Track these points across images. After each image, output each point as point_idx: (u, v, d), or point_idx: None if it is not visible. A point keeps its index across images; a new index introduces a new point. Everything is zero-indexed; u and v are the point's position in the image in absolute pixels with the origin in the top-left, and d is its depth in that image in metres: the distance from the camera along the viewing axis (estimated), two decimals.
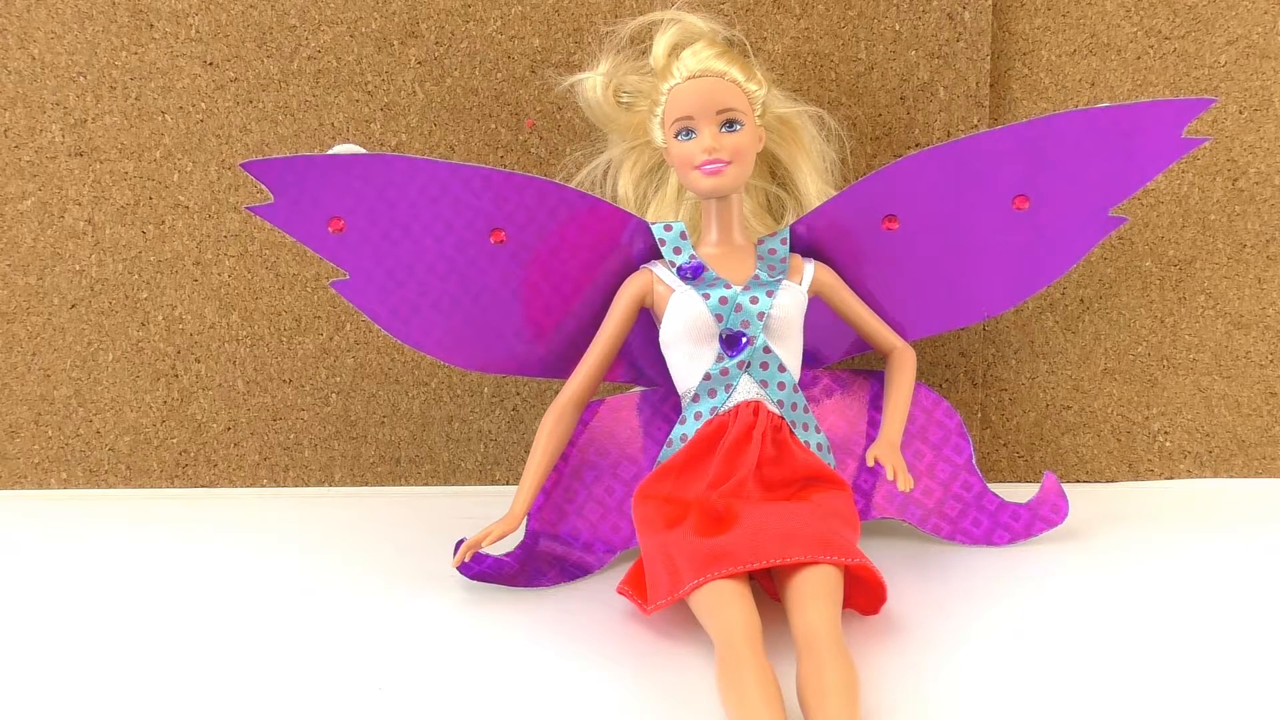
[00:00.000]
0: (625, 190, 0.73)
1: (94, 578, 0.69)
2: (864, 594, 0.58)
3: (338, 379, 0.84)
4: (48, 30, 0.81)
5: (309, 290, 0.83)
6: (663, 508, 0.62)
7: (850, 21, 0.77)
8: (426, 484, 0.85)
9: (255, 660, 0.57)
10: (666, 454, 0.65)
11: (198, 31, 0.80)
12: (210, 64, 0.80)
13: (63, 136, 0.82)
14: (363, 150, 0.64)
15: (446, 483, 0.85)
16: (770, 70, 0.76)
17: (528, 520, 0.68)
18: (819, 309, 0.69)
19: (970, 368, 0.82)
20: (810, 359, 0.71)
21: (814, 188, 0.72)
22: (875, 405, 0.73)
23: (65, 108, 0.82)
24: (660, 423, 0.72)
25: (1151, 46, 0.78)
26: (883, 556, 0.66)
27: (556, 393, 0.68)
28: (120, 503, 0.84)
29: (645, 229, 0.68)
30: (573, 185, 0.71)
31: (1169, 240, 0.80)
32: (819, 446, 0.66)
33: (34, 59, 0.81)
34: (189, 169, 0.82)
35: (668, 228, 0.68)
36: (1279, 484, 0.82)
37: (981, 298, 0.71)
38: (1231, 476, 0.83)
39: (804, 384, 0.71)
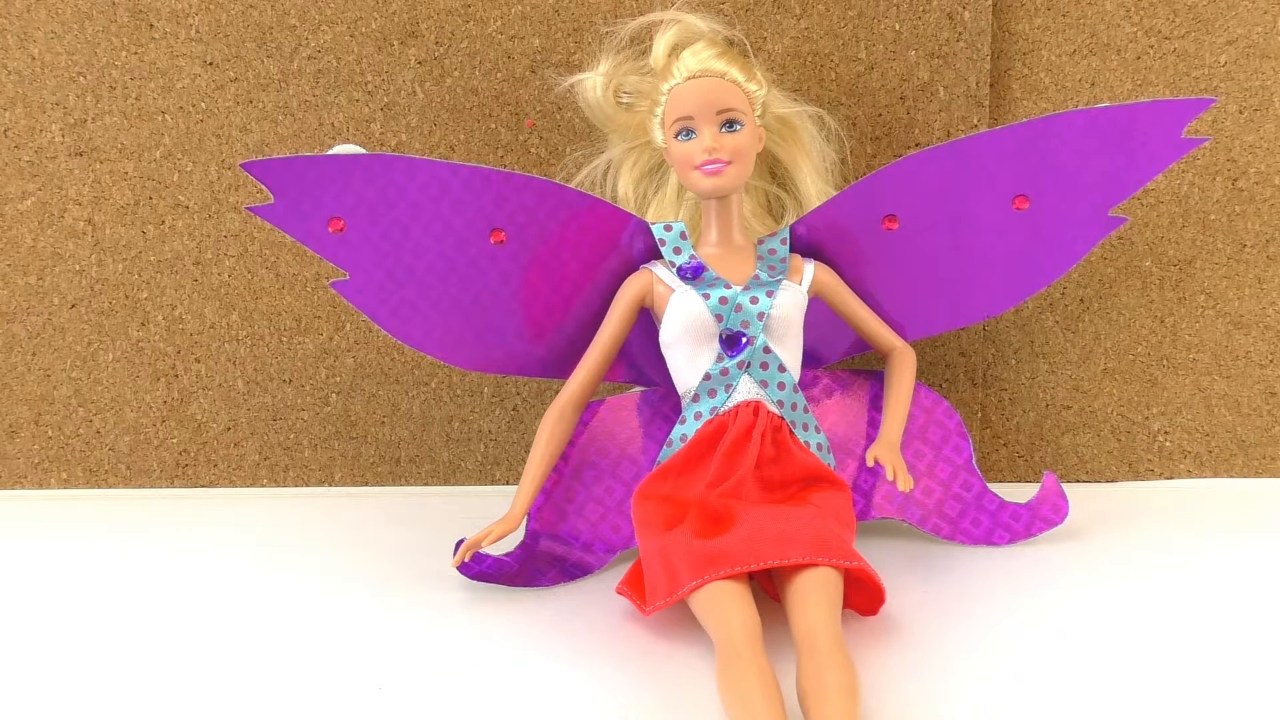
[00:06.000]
0: (625, 190, 0.73)
1: (94, 578, 0.69)
2: (863, 595, 0.58)
3: (338, 379, 0.84)
4: (48, 30, 0.81)
5: (309, 290, 0.83)
6: (662, 508, 0.62)
7: (850, 21, 0.77)
8: (426, 484, 0.85)
9: (255, 660, 0.57)
10: (666, 454, 0.65)
11: (198, 31, 0.80)
12: (210, 64, 0.80)
13: (63, 136, 0.82)
14: (363, 150, 0.64)
15: (446, 483, 0.85)
16: (770, 70, 0.76)
17: (528, 520, 0.68)
18: (819, 309, 0.69)
19: (970, 368, 0.82)
20: (810, 359, 0.71)
21: (814, 188, 0.72)
22: (875, 405, 0.73)
23: (65, 108, 0.82)
24: (660, 423, 0.72)
25: (1151, 46, 0.78)
26: (883, 557, 0.66)
27: (556, 393, 0.68)
28: (120, 503, 0.84)
29: (645, 229, 0.68)
30: (573, 185, 0.71)
31: (1169, 240, 0.80)
32: (819, 447, 0.66)
33: (34, 59, 0.81)
34: (189, 169, 0.82)
35: (668, 228, 0.68)
36: (1279, 484, 0.82)
37: (981, 298, 0.71)
38: (1231, 476, 0.83)
39: (804, 384, 0.71)
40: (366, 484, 0.86)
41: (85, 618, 0.63)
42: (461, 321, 0.68)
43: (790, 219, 0.72)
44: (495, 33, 0.79)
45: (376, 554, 0.71)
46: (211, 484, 0.86)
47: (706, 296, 0.65)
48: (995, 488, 0.71)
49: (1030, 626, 0.59)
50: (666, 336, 0.66)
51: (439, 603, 0.64)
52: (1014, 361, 0.82)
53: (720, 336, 0.65)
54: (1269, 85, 0.78)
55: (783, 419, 0.65)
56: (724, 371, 0.64)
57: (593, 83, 0.71)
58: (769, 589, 0.61)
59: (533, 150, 0.80)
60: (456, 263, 0.67)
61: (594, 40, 0.77)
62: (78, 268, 0.84)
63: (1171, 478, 0.83)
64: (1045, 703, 0.51)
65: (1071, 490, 0.72)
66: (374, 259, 0.66)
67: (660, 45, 0.68)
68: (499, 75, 0.79)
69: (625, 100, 0.71)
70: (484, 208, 0.66)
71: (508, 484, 0.84)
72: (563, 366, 0.70)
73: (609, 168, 0.74)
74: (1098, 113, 0.66)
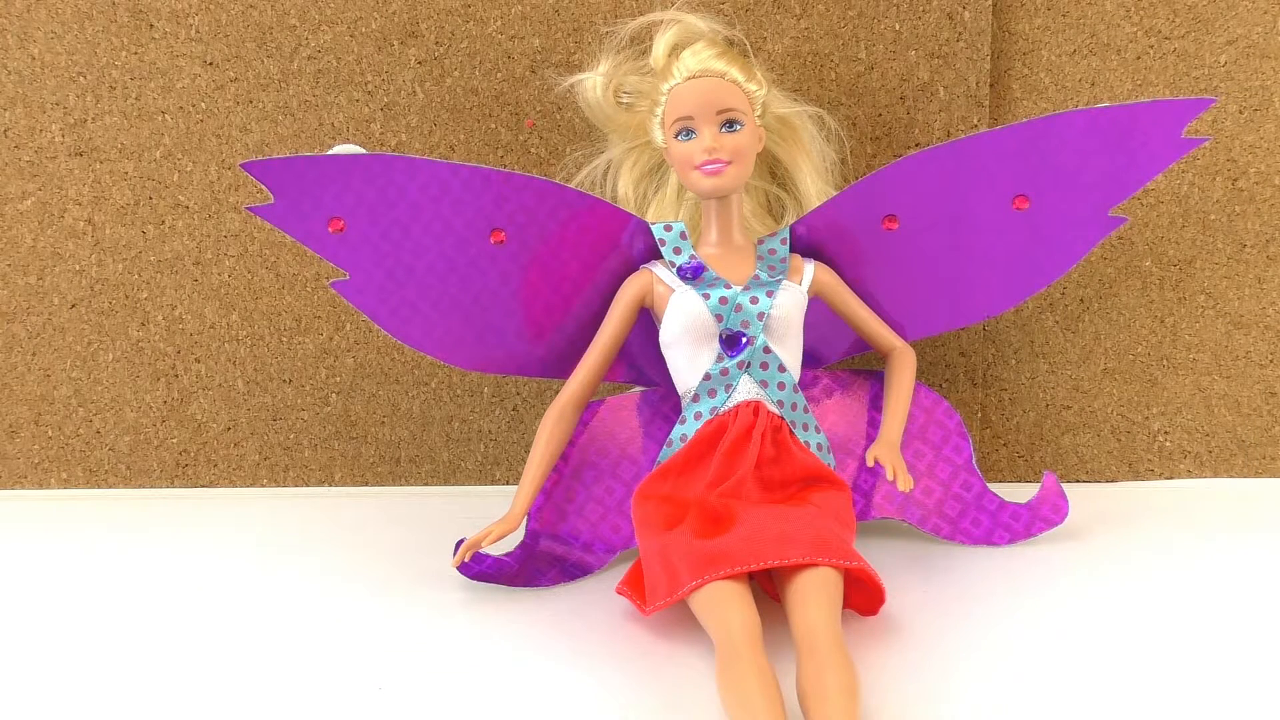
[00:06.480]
0: (625, 190, 0.73)
1: (94, 578, 0.69)
2: (863, 595, 0.58)
3: (338, 379, 0.84)
4: (48, 30, 0.81)
5: (309, 290, 0.83)
6: (662, 508, 0.62)
7: (850, 21, 0.77)
8: (426, 484, 0.85)
9: (255, 660, 0.57)
10: (666, 454, 0.65)
11: (198, 31, 0.80)
12: (210, 64, 0.80)
13: (63, 136, 0.82)
14: (363, 150, 0.64)
15: (446, 483, 0.85)
16: (770, 70, 0.76)
17: (528, 520, 0.68)
18: (818, 309, 0.69)
19: (970, 368, 0.82)
20: (810, 359, 0.71)
21: (814, 188, 0.72)
22: (875, 405, 0.73)
23: (65, 108, 0.82)
24: (660, 423, 0.72)
25: (1151, 46, 0.78)
26: (883, 557, 0.66)
27: (556, 393, 0.68)
28: (120, 503, 0.84)
29: (645, 229, 0.68)
30: (573, 185, 0.71)
31: (1169, 240, 0.80)
32: (819, 447, 0.66)
33: (34, 59, 0.81)
34: (189, 169, 0.82)
35: (668, 228, 0.68)
36: (1279, 484, 0.82)
37: (981, 298, 0.71)
38: (1231, 476, 0.83)
39: (804, 384, 0.71)
40: (366, 484, 0.86)
41: (85, 618, 0.63)
42: (461, 321, 0.68)
43: (790, 219, 0.72)
44: (495, 33, 0.79)
45: (376, 554, 0.71)
46: (211, 484, 0.86)
47: (706, 296, 0.65)
48: (995, 488, 0.71)
49: (1030, 626, 0.59)
50: (666, 336, 0.66)
51: (439, 603, 0.64)
52: (1014, 361, 0.82)
53: (720, 336, 0.65)
54: (1269, 85, 0.78)
55: (783, 419, 0.65)
56: (724, 371, 0.64)
57: (593, 83, 0.71)
58: (769, 589, 0.61)
59: (533, 150, 0.80)
60: (456, 263, 0.67)
61: (594, 40, 0.77)
62: (78, 268, 0.84)
63: (1171, 478, 0.83)
64: (1045, 703, 0.51)
65: (1071, 490, 0.72)
66: (374, 259, 0.66)
67: (660, 45, 0.68)
68: (499, 75, 0.79)
69: (625, 100, 0.71)
70: (484, 208, 0.66)
71: (508, 484, 0.84)
72: (563, 366, 0.70)
73: (609, 168, 0.74)
74: (1098, 113, 0.66)
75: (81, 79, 0.81)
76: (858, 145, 0.79)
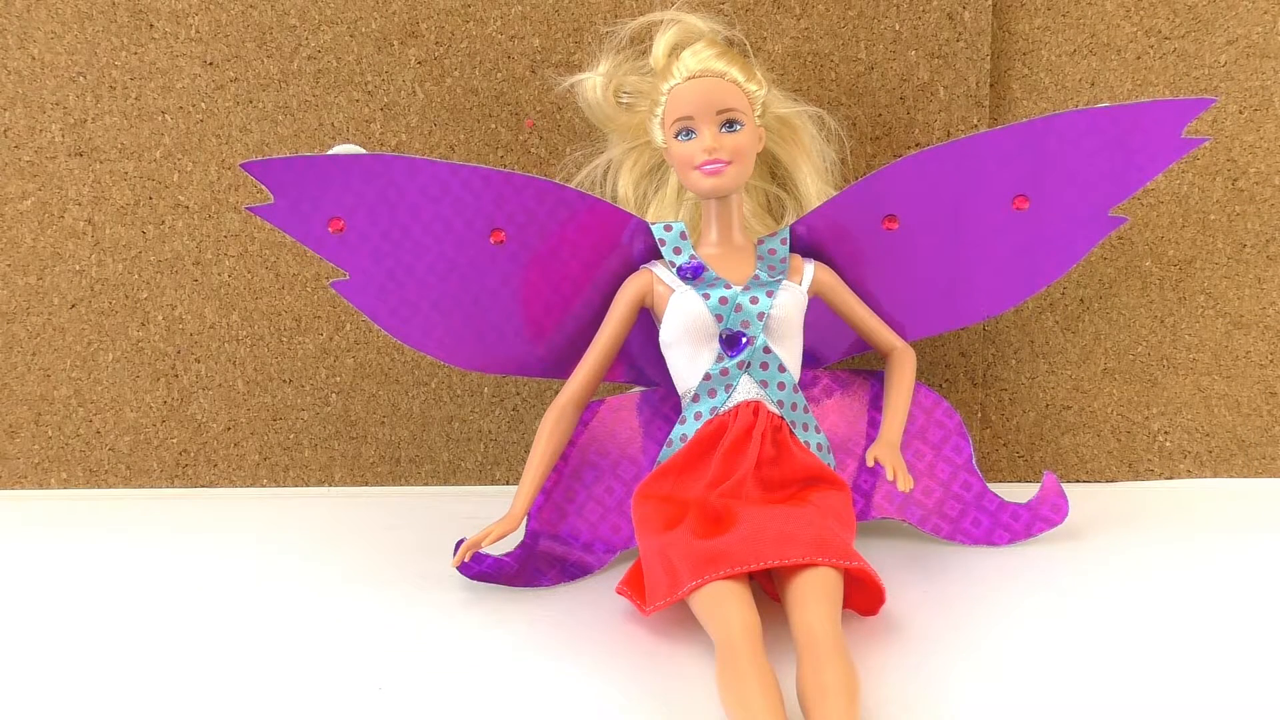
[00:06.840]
0: (625, 190, 0.73)
1: (94, 578, 0.69)
2: (863, 595, 0.58)
3: (338, 379, 0.84)
4: (48, 30, 0.81)
5: (309, 290, 0.83)
6: (662, 508, 0.62)
7: (850, 21, 0.77)
8: (426, 484, 0.85)
9: (255, 660, 0.57)
10: (666, 454, 0.65)
11: (198, 31, 0.80)
12: (210, 64, 0.80)
13: (63, 136, 0.82)
14: (363, 150, 0.64)
15: (446, 483, 0.85)
16: (770, 70, 0.76)
17: (528, 520, 0.68)
18: (819, 309, 0.69)
19: (970, 368, 0.82)
20: (810, 359, 0.71)
21: (814, 188, 0.72)
22: (875, 405, 0.73)
23: (65, 108, 0.82)
24: (660, 423, 0.72)
25: (1151, 46, 0.78)
26: (883, 556, 0.66)
27: (556, 393, 0.68)
28: (120, 503, 0.84)
29: (645, 229, 0.68)
30: (573, 185, 0.71)
31: (1169, 240, 0.80)
32: (819, 447, 0.66)
33: (34, 59, 0.81)
34: (189, 169, 0.82)
35: (668, 228, 0.68)
36: (1279, 484, 0.82)
37: (981, 298, 0.71)
38: (1231, 476, 0.83)
39: (804, 384, 0.71)
40: (366, 484, 0.86)
41: (86, 618, 0.63)
42: (461, 321, 0.68)
43: (790, 219, 0.72)
44: (495, 33, 0.79)
45: (376, 554, 0.71)
46: (211, 484, 0.86)
47: (706, 296, 0.65)
48: (995, 488, 0.71)
49: (1030, 626, 0.59)
50: (667, 336, 0.66)
51: (439, 603, 0.64)
52: (1014, 361, 0.82)
53: (720, 336, 0.65)
54: (1269, 85, 0.78)
55: (783, 419, 0.65)
56: (724, 371, 0.64)
57: (593, 83, 0.71)
58: (769, 589, 0.61)
59: (533, 150, 0.80)
60: (456, 263, 0.67)
61: (594, 40, 0.77)
62: (78, 268, 0.84)
63: (1171, 478, 0.83)
64: (1045, 702, 0.51)
65: (1071, 490, 0.72)
66: (374, 259, 0.66)
67: (660, 45, 0.68)
68: (499, 75, 0.79)
69: (625, 100, 0.71)
70: (484, 208, 0.66)
71: (508, 484, 0.84)
72: (563, 366, 0.70)
73: (609, 168, 0.74)
74: (1098, 113, 0.66)
75: (81, 79, 0.81)
76: (858, 145, 0.79)
